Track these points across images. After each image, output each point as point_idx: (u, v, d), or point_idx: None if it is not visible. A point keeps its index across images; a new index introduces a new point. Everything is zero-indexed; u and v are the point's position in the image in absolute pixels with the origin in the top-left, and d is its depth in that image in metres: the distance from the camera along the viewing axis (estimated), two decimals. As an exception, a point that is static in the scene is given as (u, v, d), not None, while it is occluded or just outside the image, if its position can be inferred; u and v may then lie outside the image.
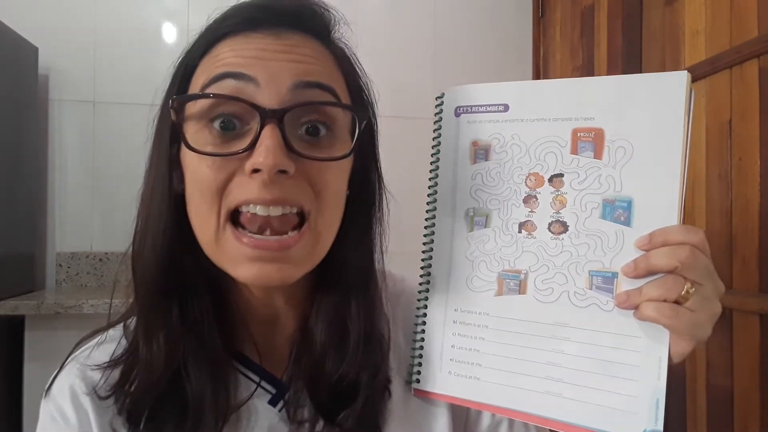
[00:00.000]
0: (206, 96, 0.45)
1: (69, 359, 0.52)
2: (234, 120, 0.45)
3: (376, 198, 0.54)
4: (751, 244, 1.16)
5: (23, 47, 1.69)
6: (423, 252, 0.53)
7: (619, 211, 0.46)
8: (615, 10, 1.73)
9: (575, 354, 0.46)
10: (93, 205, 1.87)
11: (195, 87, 0.47)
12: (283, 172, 0.43)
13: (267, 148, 0.42)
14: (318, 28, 0.50)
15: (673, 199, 0.44)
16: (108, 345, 0.52)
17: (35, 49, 1.74)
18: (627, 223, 0.45)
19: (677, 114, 0.45)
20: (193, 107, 0.46)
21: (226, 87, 0.45)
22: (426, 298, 0.52)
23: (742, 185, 1.21)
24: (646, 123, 0.46)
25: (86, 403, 0.48)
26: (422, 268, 0.53)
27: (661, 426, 0.43)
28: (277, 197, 0.43)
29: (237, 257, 0.45)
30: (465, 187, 0.52)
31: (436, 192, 0.53)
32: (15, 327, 1.47)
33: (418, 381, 0.52)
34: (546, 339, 0.47)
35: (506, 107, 0.51)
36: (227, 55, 0.46)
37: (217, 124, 0.45)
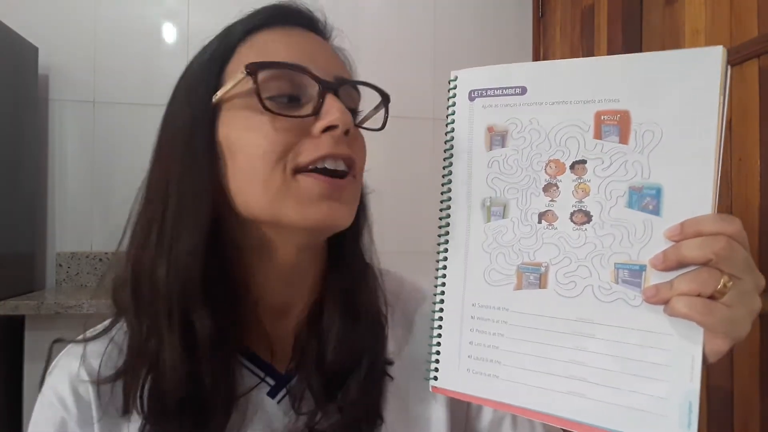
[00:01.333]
0: (283, 65, 0.49)
1: (63, 353, 0.54)
2: (286, 96, 0.49)
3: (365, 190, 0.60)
4: (751, 244, 1.16)
5: (23, 47, 1.69)
6: (438, 245, 0.50)
7: (647, 199, 0.43)
8: (615, 10, 1.73)
9: (600, 352, 0.43)
10: (93, 205, 1.87)
11: (236, 71, 0.49)
12: (347, 132, 0.49)
13: (339, 109, 0.49)
14: (327, 33, 0.58)
15: (707, 186, 0.41)
16: (101, 341, 0.53)
17: (35, 49, 1.74)
18: (656, 212, 0.42)
19: (712, 93, 0.41)
20: (246, 85, 0.49)
21: (279, 72, 0.49)
22: (443, 293, 0.50)
23: (742, 185, 1.21)
24: (676, 104, 0.42)
25: (86, 390, 0.50)
26: (438, 261, 0.51)
27: (694, 431, 0.40)
28: (346, 152, 0.50)
29: (312, 197, 0.48)
30: (481, 175, 0.49)
31: (450, 182, 0.50)
32: (15, 327, 1.47)
33: (435, 378, 0.50)
34: (568, 336, 0.44)
35: (524, 90, 0.48)
36: (272, 46, 0.51)
37: (275, 98, 0.49)
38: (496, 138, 0.48)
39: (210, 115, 0.50)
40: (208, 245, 0.48)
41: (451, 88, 0.51)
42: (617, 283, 0.43)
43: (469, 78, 0.50)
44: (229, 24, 0.54)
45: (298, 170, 0.48)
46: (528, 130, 0.47)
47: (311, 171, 0.49)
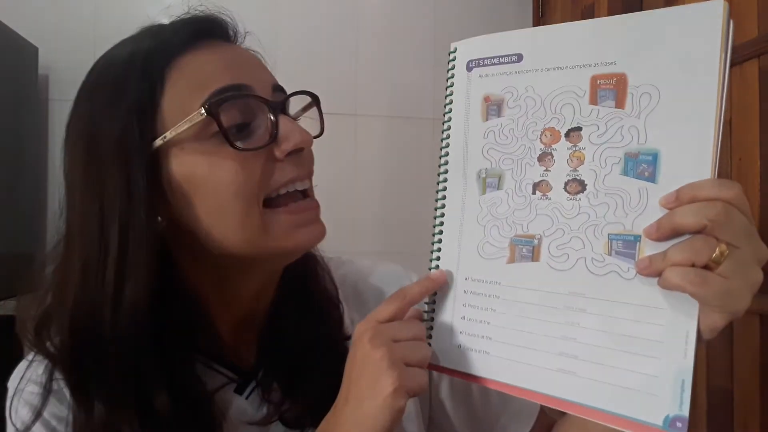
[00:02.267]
0: (240, 95, 0.48)
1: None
2: (240, 124, 0.48)
3: None
4: (751, 244, 1.16)
5: (23, 47, 1.69)
6: (434, 218, 0.50)
7: (643, 165, 0.40)
8: (615, 10, 1.73)
9: (592, 328, 0.41)
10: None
11: (180, 105, 0.47)
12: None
13: (299, 130, 0.49)
14: (241, 38, 0.57)
15: (706, 150, 0.38)
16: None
17: (35, 49, 1.74)
18: (652, 179, 0.40)
19: (712, 51, 0.38)
20: (202, 123, 0.47)
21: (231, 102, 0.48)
22: (437, 267, 0.49)
23: (742, 185, 1.20)
24: (674, 64, 0.40)
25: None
26: (434, 234, 0.50)
27: (686, 411, 0.38)
28: (308, 170, 0.52)
29: (289, 230, 0.49)
30: (477, 146, 0.48)
31: (447, 154, 0.49)
32: (15, 327, 1.47)
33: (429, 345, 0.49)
34: (561, 311, 0.43)
35: (519, 57, 0.46)
36: (207, 70, 0.48)
37: (228, 127, 0.47)
38: (492, 108, 0.47)
39: (153, 155, 0.47)
40: (159, 289, 0.47)
41: (450, 60, 0.50)
42: (610, 255, 0.41)
43: (467, 49, 0.49)
44: (139, 41, 0.50)
45: (270, 200, 0.49)
46: (524, 98, 0.46)
47: (282, 197, 0.49)
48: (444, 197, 0.49)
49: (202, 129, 0.47)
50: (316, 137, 0.54)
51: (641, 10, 1.75)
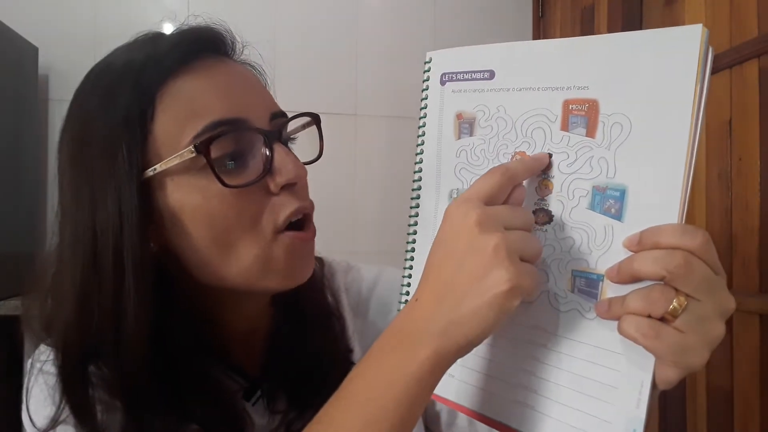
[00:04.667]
0: (230, 130, 0.46)
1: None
2: (235, 154, 0.47)
3: None
4: (751, 244, 1.16)
5: (23, 47, 1.69)
6: (408, 234, 0.49)
7: (610, 201, 0.38)
8: (615, 10, 1.73)
9: (551, 364, 0.40)
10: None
11: (170, 134, 0.46)
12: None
13: (292, 162, 0.48)
14: (238, 51, 0.55)
15: (675, 191, 0.36)
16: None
17: (35, 49, 1.74)
18: (618, 216, 0.38)
19: (687, 83, 0.35)
20: (192, 158, 0.46)
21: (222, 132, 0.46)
22: (409, 284, 0.48)
23: (742, 185, 1.21)
24: (646, 94, 0.37)
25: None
26: (407, 251, 0.49)
27: None
28: (307, 202, 0.50)
29: (287, 267, 0.49)
30: (449, 165, 0.46)
31: (421, 170, 0.48)
32: (15, 327, 1.47)
33: None
34: (523, 343, 0.41)
35: (492, 74, 0.43)
36: (200, 98, 0.46)
37: (227, 160, 0.46)
38: (465, 126, 0.46)
39: (144, 184, 0.46)
40: (158, 316, 0.46)
41: (426, 71, 0.47)
42: (573, 291, 0.40)
43: (441, 60, 0.47)
44: (136, 51, 0.49)
45: (273, 232, 0.48)
46: (495, 118, 0.44)
47: (283, 230, 0.48)
48: (417, 214, 0.49)
49: (193, 163, 0.45)
50: (314, 161, 0.54)
51: (641, 12, 1.75)
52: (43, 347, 0.52)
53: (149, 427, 0.46)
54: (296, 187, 0.49)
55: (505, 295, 0.35)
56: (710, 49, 0.36)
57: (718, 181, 1.26)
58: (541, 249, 0.39)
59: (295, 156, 0.49)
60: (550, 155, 0.41)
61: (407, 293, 0.48)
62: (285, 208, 0.48)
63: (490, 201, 0.38)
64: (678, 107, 0.36)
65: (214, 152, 0.45)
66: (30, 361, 0.52)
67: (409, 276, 0.48)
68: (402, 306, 0.48)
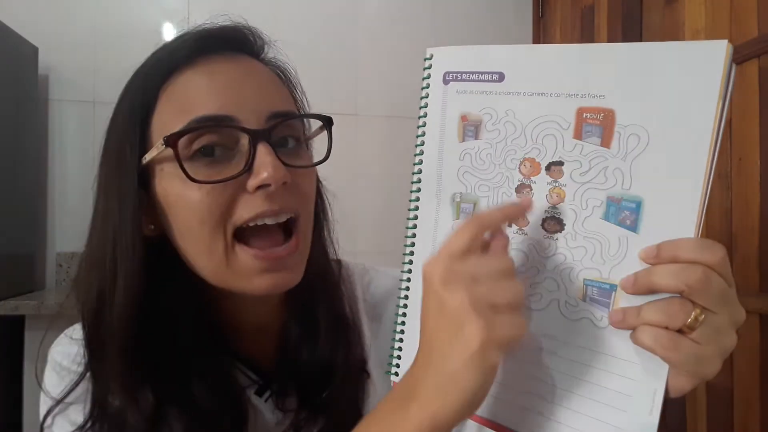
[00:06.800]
0: (202, 127, 0.47)
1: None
2: (217, 148, 0.48)
3: (320, 193, 0.59)
4: (751, 244, 1.16)
5: (23, 47, 1.69)
6: (406, 237, 0.47)
7: (625, 212, 0.38)
8: (615, 10, 1.73)
9: (561, 371, 0.40)
10: (93, 205, 1.87)
11: (163, 126, 0.48)
12: (284, 183, 0.47)
13: (271, 164, 0.46)
14: (258, 49, 0.55)
15: (693, 204, 0.36)
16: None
17: (35, 49, 1.74)
18: (633, 228, 0.38)
19: (709, 98, 0.35)
20: (169, 151, 0.47)
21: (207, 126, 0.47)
22: (407, 288, 0.47)
23: (742, 185, 1.21)
24: (667, 108, 0.37)
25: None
26: (404, 255, 0.47)
27: None
28: (282, 206, 0.48)
29: (251, 272, 0.48)
30: (452, 168, 0.45)
31: (420, 172, 0.46)
32: (15, 327, 1.47)
33: (396, 374, 0.47)
34: (531, 351, 0.41)
35: (501, 76, 0.42)
36: (193, 94, 0.48)
37: (202, 153, 0.47)
38: (469, 128, 0.44)
39: (142, 172, 0.49)
40: (160, 293, 0.49)
41: (426, 68, 0.46)
42: (585, 300, 0.39)
43: (444, 58, 0.45)
44: (153, 54, 0.52)
45: (237, 231, 0.48)
46: (503, 122, 0.42)
47: (259, 234, 0.48)
48: (416, 218, 0.47)
49: (172, 156, 0.47)
50: (319, 163, 0.53)
51: (641, 12, 1.75)
52: (59, 338, 0.56)
53: (144, 401, 0.48)
54: (271, 189, 0.46)
55: (479, 353, 0.34)
56: (733, 67, 0.36)
57: (718, 181, 1.26)
58: (521, 290, 0.38)
59: (277, 159, 0.47)
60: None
61: (405, 305, 0.47)
62: (248, 209, 0.47)
63: (463, 254, 0.37)
64: (699, 123, 0.36)
65: (195, 146, 0.47)
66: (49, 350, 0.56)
67: (407, 288, 0.47)
68: (400, 313, 0.48)
